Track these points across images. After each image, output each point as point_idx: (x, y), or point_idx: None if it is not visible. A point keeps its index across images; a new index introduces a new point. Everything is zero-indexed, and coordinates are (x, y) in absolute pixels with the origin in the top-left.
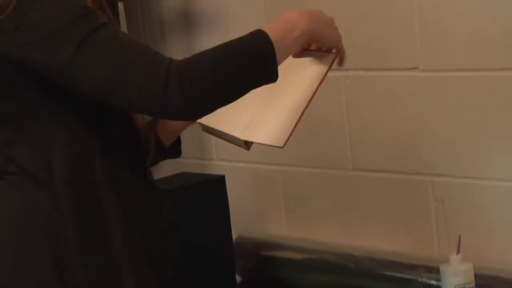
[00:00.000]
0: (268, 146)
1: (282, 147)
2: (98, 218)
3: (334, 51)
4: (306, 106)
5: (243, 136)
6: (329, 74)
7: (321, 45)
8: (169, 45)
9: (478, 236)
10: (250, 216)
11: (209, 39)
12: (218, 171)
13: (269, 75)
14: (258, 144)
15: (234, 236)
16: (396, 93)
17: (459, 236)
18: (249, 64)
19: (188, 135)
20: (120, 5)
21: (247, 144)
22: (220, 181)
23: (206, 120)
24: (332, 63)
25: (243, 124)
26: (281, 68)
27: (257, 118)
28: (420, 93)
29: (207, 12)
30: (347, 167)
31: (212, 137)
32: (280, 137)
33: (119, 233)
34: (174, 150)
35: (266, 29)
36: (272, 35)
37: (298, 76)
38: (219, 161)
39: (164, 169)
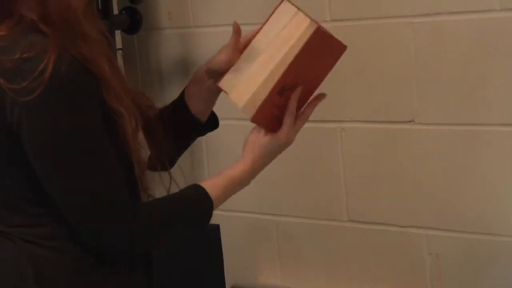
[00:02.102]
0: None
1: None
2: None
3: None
4: (279, 80)
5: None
6: (325, 125)
7: None
8: (167, 93)
9: None
10: (244, 266)
11: None
12: (212, 220)
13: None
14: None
15: (228, 286)
16: (392, 145)
17: None
18: (191, 227)
19: (182, 183)
20: (119, 53)
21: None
22: (214, 230)
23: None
24: (313, 36)
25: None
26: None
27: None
28: (416, 146)
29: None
30: (342, 219)
31: None
32: (250, 106)
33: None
34: (212, 122)
35: (210, 186)
36: (213, 195)
37: (282, 42)
38: (214, 210)
39: None
